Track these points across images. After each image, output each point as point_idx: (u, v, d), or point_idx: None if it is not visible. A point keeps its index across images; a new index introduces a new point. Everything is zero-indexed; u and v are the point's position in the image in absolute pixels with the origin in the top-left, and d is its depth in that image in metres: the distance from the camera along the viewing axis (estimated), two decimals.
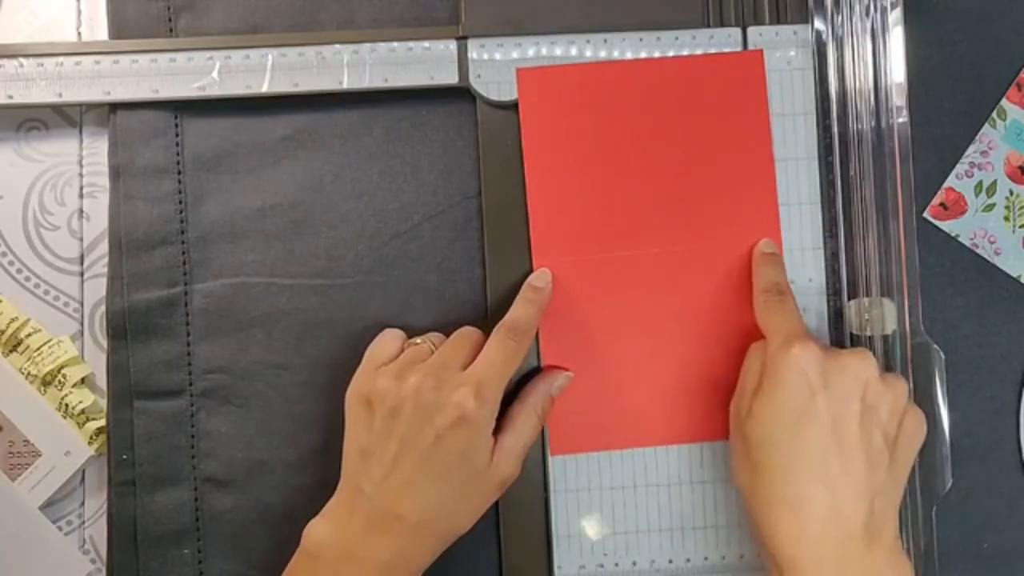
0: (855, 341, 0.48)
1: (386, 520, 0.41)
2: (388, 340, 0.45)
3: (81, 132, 0.50)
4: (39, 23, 0.50)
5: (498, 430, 0.43)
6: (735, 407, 0.43)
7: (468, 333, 0.45)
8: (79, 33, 0.50)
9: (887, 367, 0.47)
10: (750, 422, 0.41)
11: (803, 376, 0.40)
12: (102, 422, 0.48)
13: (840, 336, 0.48)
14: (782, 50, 0.48)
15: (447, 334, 0.46)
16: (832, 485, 0.39)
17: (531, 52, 0.48)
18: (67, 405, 0.48)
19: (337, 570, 0.41)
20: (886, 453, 0.40)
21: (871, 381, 0.41)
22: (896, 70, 0.48)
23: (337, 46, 0.47)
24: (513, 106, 0.48)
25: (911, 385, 0.47)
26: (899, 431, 0.41)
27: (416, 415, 0.41)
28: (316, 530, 0.43)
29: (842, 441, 0.40)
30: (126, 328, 0.48)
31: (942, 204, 0.49)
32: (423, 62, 0.48)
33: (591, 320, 0.47)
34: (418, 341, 0.45)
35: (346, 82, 0.48)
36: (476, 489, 0.43)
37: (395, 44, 0.48)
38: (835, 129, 0.48)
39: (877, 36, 0.48)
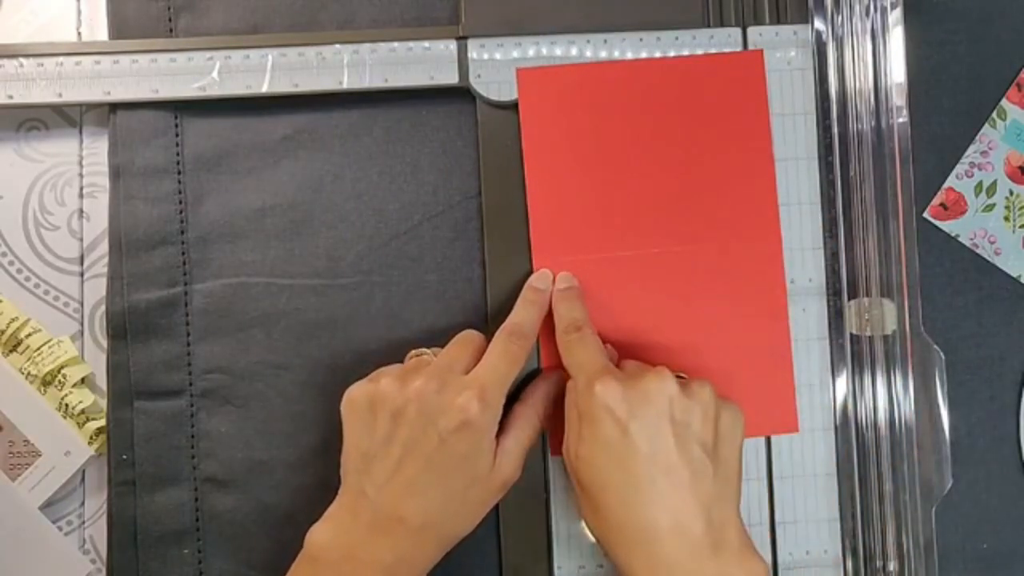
0: (855, 341, 0.48)
1: (389, 522, 0.41)
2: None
3: (81, 132, 0.50)
4: (39, 23, 0.50)
5: (499, 432, 0.43)
6: (565, 453, 0.44)
7: (470, 337, 0.45)
8: (79, 33, 0.50)
9: (887, 367, 0.47)
10: (580, 466, 0.42)
11: (611, 414, 0.41)
12: (102, 422, 0.48)
13: (840, 336, 0.48)
14: (782, 50, 0.48)
15: (447, 334, 0.46)
16: (668, 508, 0.40)
17: (531, 52, 0.48)
18: (67, 405, 0.48)
19: (340, 573, 0.41)
20: (708, 462, 0.41)
21: (674, 399, 0.41)
22: (896, 70, 0.48)
23: (337, 46, 0.47)
24: (513, 106, 0.48)
25: (910, 385, 0.47)
26: (716, 433, 0.42)
27: (419, 418, 0.41)
28: (318, 533, 0.43)
29: (664, 464, 0.40)
30: (126, 328, 0.48)
31: (942, 204, 0.49)
32: (423, 62, 0.48)
33: (591, 320, 0.47)
34: (422, 352, 0.46)
35: (346, 82, 0.48)
36: (478, 491, 0.43)
37: (395, 44, 0.48)
38: (835, 129, 0.48)
39: (877, 36, 0.48)
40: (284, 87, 0.47)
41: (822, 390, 0.48)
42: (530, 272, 0.47)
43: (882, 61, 0.48)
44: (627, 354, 0.47)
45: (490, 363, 0.43)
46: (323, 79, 0.47)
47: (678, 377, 0.42)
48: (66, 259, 0.50)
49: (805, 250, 0.48)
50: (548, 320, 0.46)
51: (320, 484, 0.47)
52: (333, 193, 0.49)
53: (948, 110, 0.49)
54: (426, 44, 0.48)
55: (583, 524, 0.47)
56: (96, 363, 0.49)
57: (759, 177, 0.48)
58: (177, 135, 0.49)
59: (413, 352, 0.46)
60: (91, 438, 0.48)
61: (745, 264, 0.48)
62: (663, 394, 0.41)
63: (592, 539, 0.47)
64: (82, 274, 0.50)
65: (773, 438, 0.48)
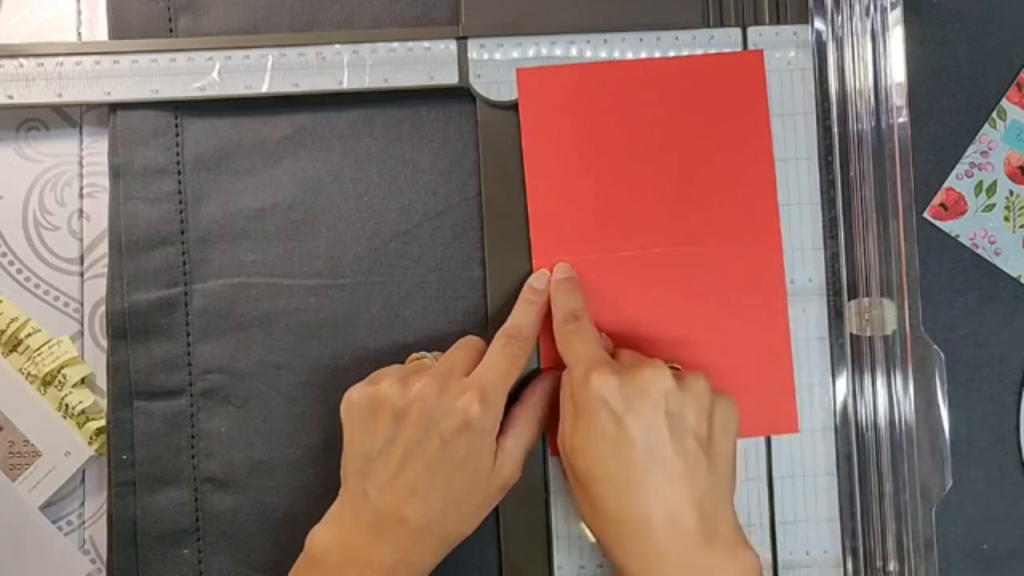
0: (855, 341, 0.48)
1: (390, 524, 0.41)
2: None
3: (81, 132, 0.50)
4: (39, 23, 0.50)
5: (499, 433, 0.43)
6: (560, 444, 0.44)
7: (472, 341, 0.45)
8: (79, 33, 0.50)
9: (887, 367, 0.47)
10: (575, 458, 0.42)
11: (606, 406, 0.41)
12: (102, 422, 0.48)
13: (840, 336, 0.48)
14: (782, 50, 0.48)
15: (447, 335, 0.46)
16: (662, 500, 0.40)
17: (531, 52, 0.48)
18: (67, 405, 0.48)
19: (341, 575, 0.41)
20: (702, 455, 0.41)
21: (670, 392, 0.41)
22: (896, 70, 0.48)
23: (337, 46, 0.47)
24: (513, 106, 0.48)
25: (910, 385, 0.47)
26: (711, 427, 0.42)
27: (421, 420, 0.42)
28: (319, 535, 0.43)
29: (658, 457, 0.41)
30: (126, 328, 0.48)
31: (942, 204, 0.49)
32: (423, 62, 0.48)
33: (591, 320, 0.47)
34: (421, 355, 0.46)
35: (346, 82, 0.48)
36: (479, 493, 0.43)
37: (395, 44, 0.48)
38: (835, 129, 0.48)
39: (877, 36, 0.48)
40: (284, 87, 0.47)
41: (822, 390, 0.48)
42: (530, 272, 0.47)
43: (882, 61, 0.48)
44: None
45: (490, 364, 0.43)
46: (323, 79, 0.47)
47: (672, 369, 0.42)
48: (66, 259, 0.50)
49: (805, 250, 0.48)
50: (548, 320, 0.46)
51: (320, 484, 0.47)
52: (333, 193, 0.49)
53: (948, 110, 0.49)
54: (426, 44, 0.48)
55: (582, 524, 0.47)
56: (96, 363, 0.49)
57: (759, 177, 0.48)
58: (177, 135, 0.49)
59: (413, 355, 0.46)
60: (91, 438, 0.48)
61: (745, 264, 0.48)
62: (659, 387, 0.41)
63: (591, 537, 0.47)
64: (82, 274, 0.50)
65: (773, 438, 0.48)
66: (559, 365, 0.47)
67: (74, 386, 0.48)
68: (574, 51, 0.48)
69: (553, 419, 0.46)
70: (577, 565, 0.47)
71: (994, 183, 0.49)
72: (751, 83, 0.48)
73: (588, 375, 0.42)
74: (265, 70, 0.47)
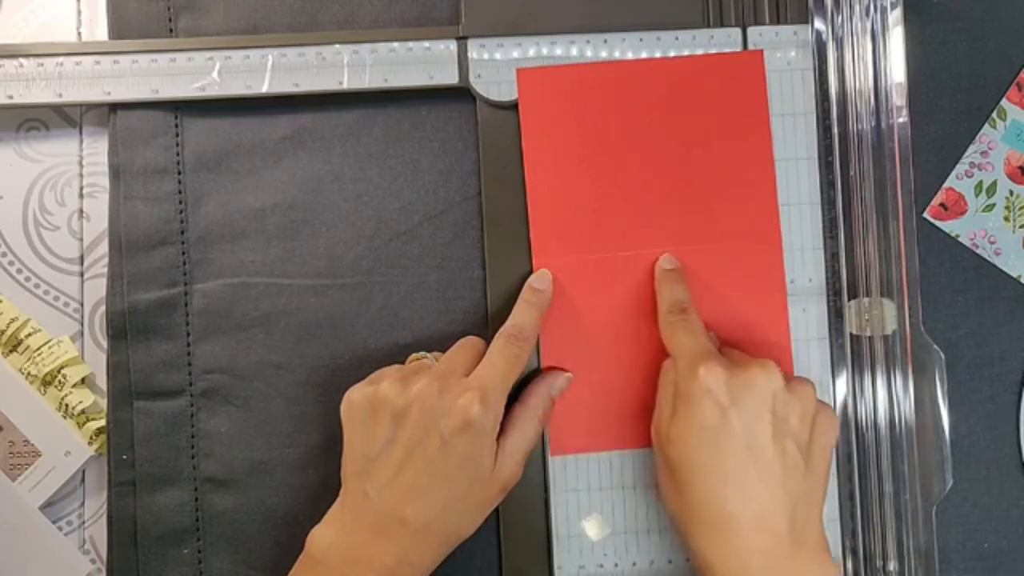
0: (855, 341, 0.48)
1: (390, 524, 0.41)
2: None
3: (81, 132, 0.50)
4: (39, 23, 0.50)
5: (499, 433, 0.43)
6: (655, 430, 0.44)
7: (472, 342, 0.45)
8: (79, 33, 0.50)
9: (887, 367, 0.47)
10: (670, 446, 0.42)
11: (712, 397, 0.41)
12: (102, 422, 0.48)
13: (840, 336, 0.48)
14: (782, 50, 0.48)
15: (447, 334, 0.46)
16: (754, 498, 0.40)
17: (531, 52, 0.48)
18: (67, 405, 0.48)
19: (342, 575, 0.41)
20: (800, 460, 0.41)
21: (777, 393, 0.41)
22: (896, 70, 0.48)
23: (337, 46, 0.47)
24: (513, 106, 0.48)
25: (910, 385, 0.47)
26: (812, 434, 0.42)
27: (421, 420, 0.41)
28: (319, 536, 0.43)
29: (758, 455, 0.41)
30: (126, 328, 0.48)
31: (942, 204, 0.49)
32: (423, 62, 0.48)
33: (591, 320, 0.47)
34: (422, 355, 0.46)
35: (346, 82, 0.48)
36: (480, 493, 0.43)
37: (395, 44, 0.48)
38: (835, 129, 0.48)
39: (877, 36, 0.48)
40: (284, 87, 0.47)
41: (822, 390, 0.48)
42: (530, 272, 0.47)
43: (882, 61, 0.48)
44: (627, 354, 0.47)
45: (491, 365, 0.43)
46: (323, 79, 0.47)
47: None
48: (66, 259, 0.50)
49: (805, 250, 0.48)
50: (547, 319, 0.46)
51: (320, 484, 0.47)
52: (333, 193, 0.49)
53: (948, 110, 0.49)
54: (426, 44, 0.48)
55: (583, 524, 0.47)
56: (96, 363, 0.49)
57: (759, 177, 0.48)
58: (177, 135, 0.49)
59: (413, 356, 0.46)
60: (91, 438, 0.48)
61: (745, 264, 0.48)
62: (768, 386, 0.41)
63: (592, 537, 0.47)
64: (82, 274, 0.50)
65: None
66: (560, 365, 0.47)
67: (74, 386, 0.48)
68: (574, 51, 0.48)
69: (554, 419, 0.46)
70: (577, 565, 0.47)
71: (994, 183, 0.49)
72: (751, 83, 0.48)
73: (695, 365, 0.42)
74: (265, 70, 0.47)
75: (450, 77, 0.48)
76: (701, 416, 0.41)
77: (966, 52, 0.49)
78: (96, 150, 0.50)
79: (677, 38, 0.48)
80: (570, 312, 0.47)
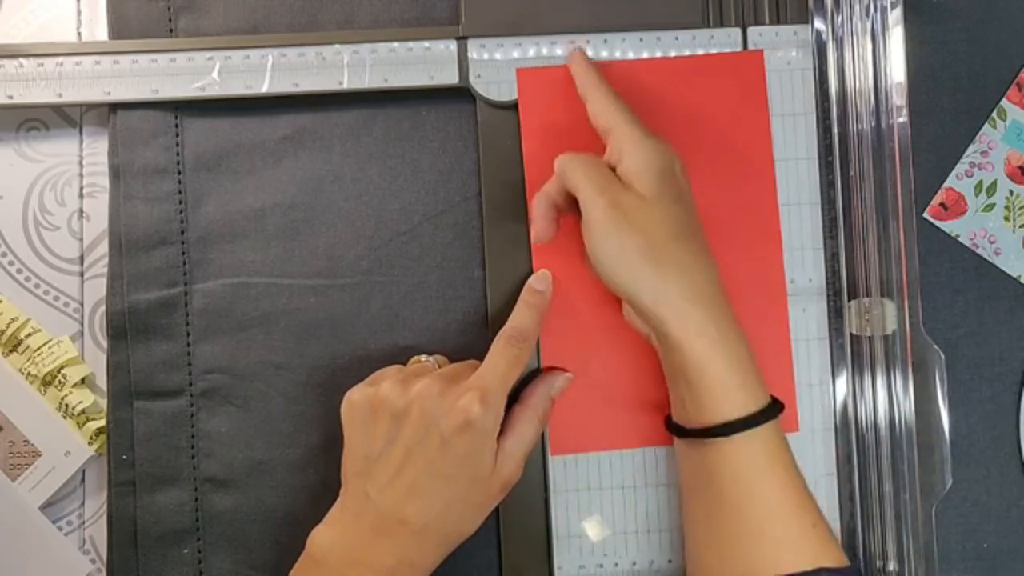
0: (855, 341, 0.48)
1: (391, 524, 0.41)
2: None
3: (81, 132, 0.50)
4: (39, 23, 0.50)
5: (499, 434, 0.43)
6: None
7: (473, 363, 0.45)
8: (79, 33, 0.50)
9: (887, 367, 0.47)
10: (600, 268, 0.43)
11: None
12: (102, 422, 0.48)
13: (840, 336, 0.48)
14: (782, 50, 0.48)
15: (447, 334, 0.46)
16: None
17: (531, 52, 0.48)
18: (67, 405, 0.48)
19: (342, 575, 0.41)
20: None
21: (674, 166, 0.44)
22: (896, 70, 0.48)
23: (337, 46, 0.47)
24: (513, 106, 0.48)
25: (910, 385, 0.47)
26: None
27: (422, 420, 0.42)
28: (320, 536, 0.43)
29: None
30: (126, 328, 0.48)
31: (942, 204, 0.49)
32: (423, 62, 0.48)
33: (591, 321, 0.47)
34: (423, 358, 0.46)
35: (346, 82, 0.48)
36: (480, 493, 0.43)
37: (395, 44, 0.48)
38: (835, 129, 0.48)
39: (877, 36, 0.48)
40: (284, 87, 0.47)
41: (822, 390, 0.48)
42: (530, 272, 0.47)
43: (882, 61, 0.48)
44: (627, 354, 0.47)
45: (491, 365, 0.43)
46: (323, 79, 0.47)
47: None
48: (66, 259, 0.50)
49: (805, 250, 0.48)
50: (547, 320, 0.46)
51: (320, 484, 0.47)
52: (333, 193, 0.49)
53: (948, 110, 0.49)
54: (426, 44, 0.48)
55: (583, 524, 0.47)
56: (96, 363, 0.49)
57: (759, 177, 0.48)
58: (177, 135, 0.49)
59: (414, 358, 0.46)
60: (91, 438, 0.48)
61: (745, 264, 0.48)
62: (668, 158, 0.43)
63: (592, 537, 0.47)
64: (82, 274, 0.50)
65: None
66: (559, 365, 0.47)
67: (74, 386, 0.48)
68: None
69: (554, 419, 0.46)
70: (577, 565, 0.47)
71: (994, 183, 0.49)
72: (751, 83, 0.48)
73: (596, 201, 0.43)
74: (265, 70, 0.47)
75: (450, 77, 0.48)
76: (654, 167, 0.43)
77: (966, 52, 0.49)
78: (96, 150, 0.50)
79: (677, 38, 0.48)
80: (570, 312, 0.47)
